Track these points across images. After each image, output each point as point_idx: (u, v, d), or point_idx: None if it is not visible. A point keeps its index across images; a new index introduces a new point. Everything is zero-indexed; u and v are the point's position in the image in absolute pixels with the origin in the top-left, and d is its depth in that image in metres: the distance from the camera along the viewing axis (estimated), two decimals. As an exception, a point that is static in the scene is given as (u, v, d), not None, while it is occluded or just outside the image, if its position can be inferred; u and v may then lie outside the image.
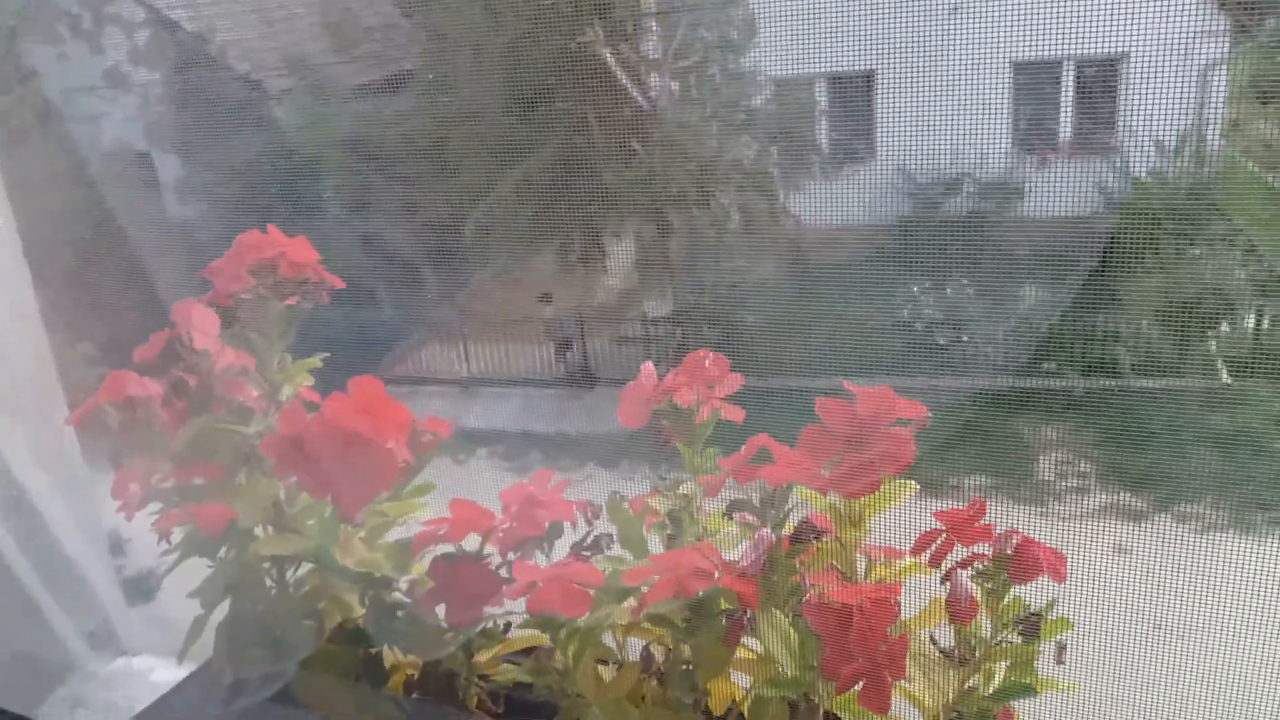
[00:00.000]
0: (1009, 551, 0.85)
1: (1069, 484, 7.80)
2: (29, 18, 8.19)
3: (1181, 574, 6.59)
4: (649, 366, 1.09)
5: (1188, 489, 7.33)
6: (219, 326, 1.12)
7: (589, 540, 1.00)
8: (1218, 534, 6.96)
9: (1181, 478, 7.49)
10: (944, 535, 0.87)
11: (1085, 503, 7.57)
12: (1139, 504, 7.37)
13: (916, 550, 0.89)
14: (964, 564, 0.86)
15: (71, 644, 1.40)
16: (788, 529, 0.91)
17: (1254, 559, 6.46)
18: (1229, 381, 7.85)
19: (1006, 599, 0.87)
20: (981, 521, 0.88)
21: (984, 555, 0.86)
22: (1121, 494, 7.50)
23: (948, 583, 0.86)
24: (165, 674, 1.40)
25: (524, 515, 0.97)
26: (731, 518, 0.93)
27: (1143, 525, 7.17)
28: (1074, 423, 8.20)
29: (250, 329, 1.09)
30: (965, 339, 8.68)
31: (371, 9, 10.55)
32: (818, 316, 8.82)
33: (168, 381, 1.13)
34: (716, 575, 0.82)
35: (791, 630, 0.83)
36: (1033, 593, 0.90)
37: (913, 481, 0.92)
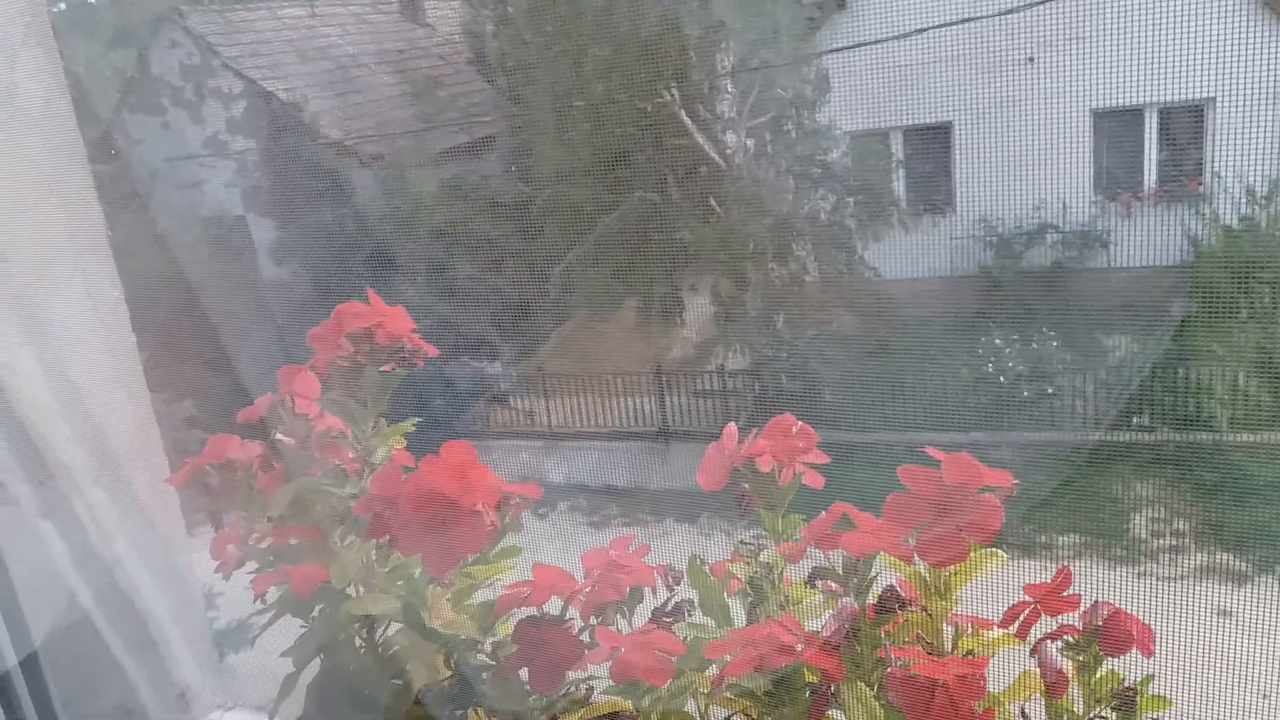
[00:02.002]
0: (1099, 624, 0.84)
1: (1164, 543, 7.51)
2: (135, 89, 8.70)
3: (1289, 639, 6.26)
4: (731, 428, 1.10)
5: (1294, 549, 7.00)
6: (319, 391, 1.17)
7: (670, 606, 1.00)
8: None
9: (1286, 536, 7.15)
10: (1032, 607, 0.86)
11: (1183, 563, 7.27)
12: (1240, 565, 7.04)
13: (1005, 623, 0.88)
14: (1053, 636, 0.85)
15: (166, 698, 1.44)
16: (872, 597, 0.91)
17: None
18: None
19: (1100, 673, 0.85)
20: (1069, 590, 0.87)
21: (1073, 628, 0.85)
22: (1221, 554, 7.19)
23: (1037, 655, 0.84)
24: (257, 730, 1.44)
25: (606, 580, 0.98)
26: (814, 585, 0.92)
27: (1245, 587, 6.85)
28: (1168, 479, 7.91)
29: (347, 394, 1.14)
30: (1051, 392, 8.49)
31: (457, 77, 10.97)
32: (898, 370, 8.72)
33: (267, 444, 1.18)
34: (799, 649, 0.82)
35: (876, 704, 0.82)
36: (1131, 663, 0.88)
37: (1001, 551, 0.91)
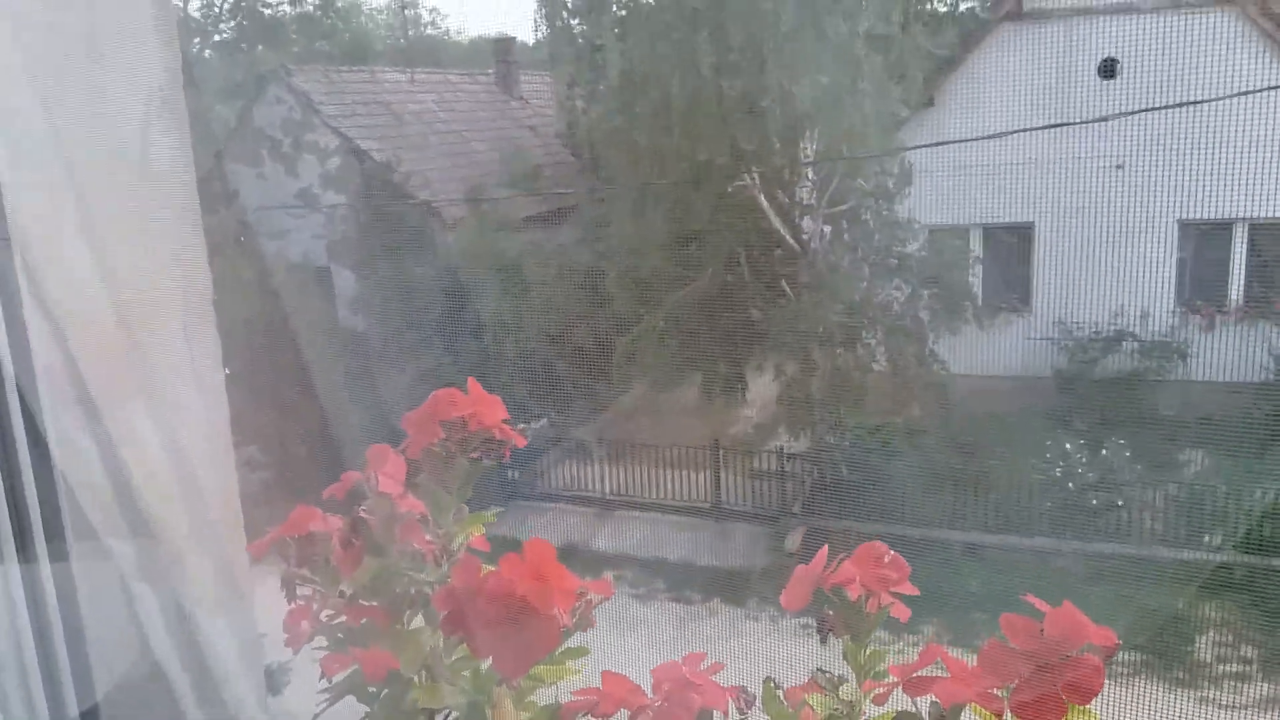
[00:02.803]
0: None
1: (1229, 668, 7.19)
2: (236, 140, 9.08)
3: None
4: (823, 552, 1.07)
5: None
6: (406, 473, 1.17)
7: (743, 731, 0.97)
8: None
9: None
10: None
11: (1247, 691, 6.94)
12: (1309, 698, 6.71)
13: (1098, 789, 0.83)
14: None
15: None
16: (957, 746, 0.87)
17: None
18: None
19: None
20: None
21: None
22: (1289, 686, 6.86)
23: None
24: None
25: (676, 697, 0.96)
26: (898, 730, 0.89)
27: (1311, 721, 6.51)
28: (1236, 602, 7.60)
29: (434, 480, 1.14)
30: (1120, 503, 8.24)
31: (543, 148, 11.27)
32: (961, 467, 8.55)
33: (349, 520, 1.18)
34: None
35: None
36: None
37: (1095, 712, 0.87)
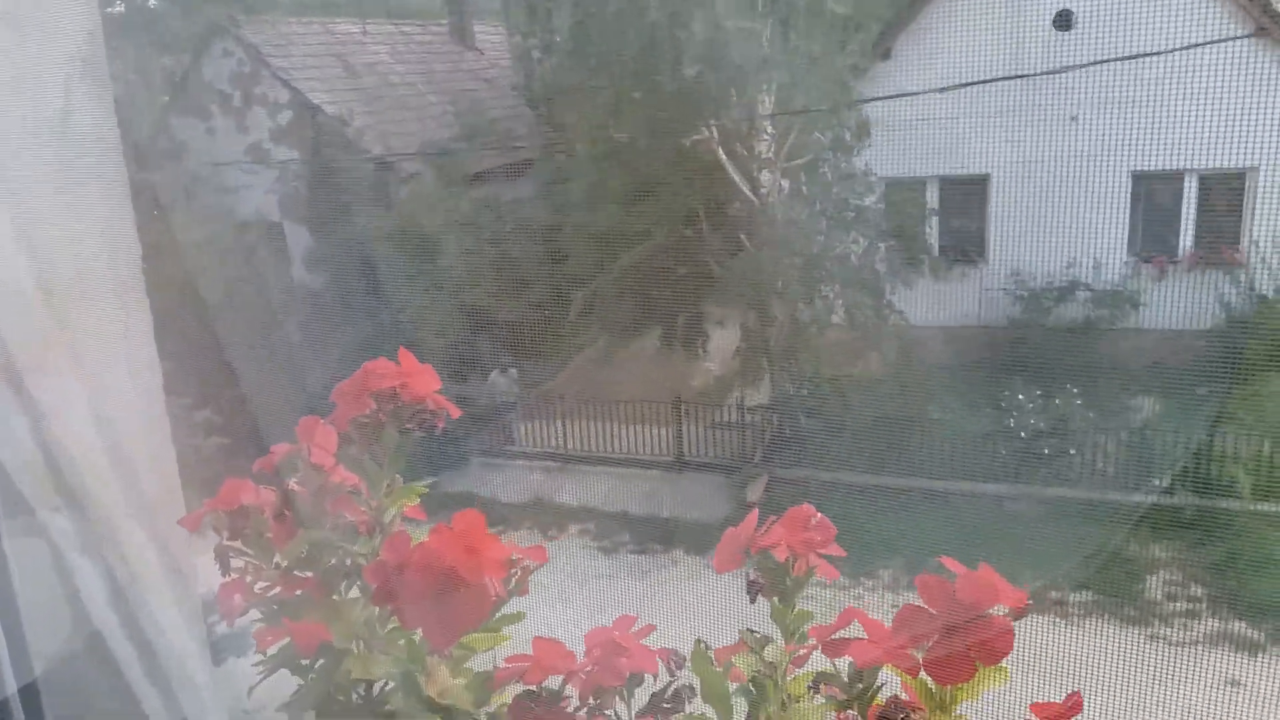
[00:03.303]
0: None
1: (1178, 607, 7.41)
2: (184, 94, 8.85)
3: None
4: (753, 516, 1.09)
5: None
6: (337, 445, 1.17)
7: (670, 692, 0.99)
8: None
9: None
10: (1039, 731, 0.84)
11: (1196, 628, 7.17)
12: (1255, 634, 6.93)
13: (1010, 742, 0.86)
14: (1058, 764, 0.83)
15: (167, 729, 1.44)
16: (876, 705, 0.89)
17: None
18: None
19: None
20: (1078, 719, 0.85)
21: (1079, 757, 0.83)
22: (1235, 622, 7.08)
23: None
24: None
25: (606, 663, 0.97)
26: (817, 690, 0.91)
27: (1257, 658, 6.74)
28: (1186, 543, 7.82)
29: (366, 452, 1.14)
30: (1072, 450, 8.41)
31: (500, 101, 11.09)
32: (918, 416, 8.67)
33: (280, 493, 1.18)
34: (797, 760, 0.81)
35: (873, 824, 0.81)
36: None
37: (1006, 668, 0.89)
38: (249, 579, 1.16)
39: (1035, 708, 0.87)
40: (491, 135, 9.98)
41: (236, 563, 1.18)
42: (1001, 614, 0.86)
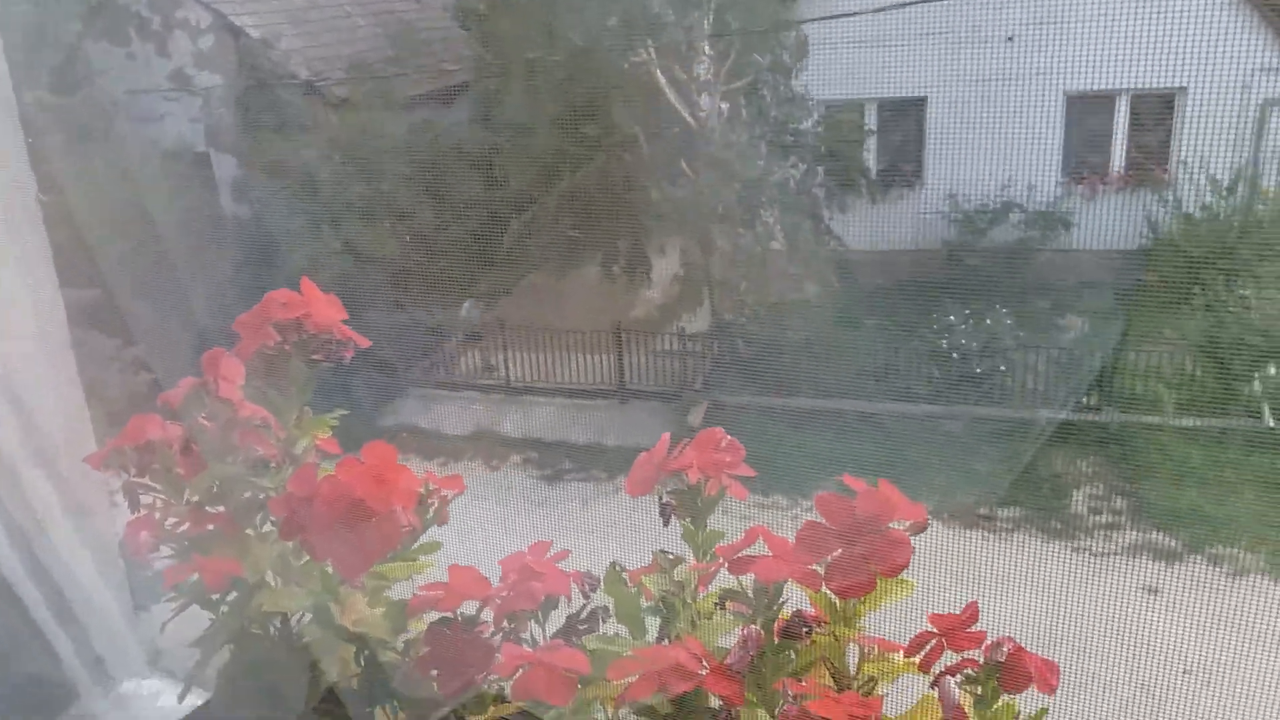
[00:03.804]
0: (1000, 660, 0.85)
1: (1101, 519, 7.70)
2: (99, 19, 8.42)
3: (1212, 617, 6.46)
4: (665, 439, 1.10)
5: (1223, 531, 7.21)
6: (243, 378, 1.15)
7: (584, 614, 1.00)
8: (1251, 578, 6.83)
9: (1217, 519, 7.36)
10: (936, 640, 0.87)
11: (1117, 539, 7.46)
12: (1172, 544, 7.25)
13: (910, 652, 0.89)
14: (953, 670, 0.86)
15: (80, 667, 1.43)
16: (781, 619, 0.92)
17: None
18: (1273, 425, 7.70)
19: (996, 705, 0.86)
20: (975, 626, 0.88)
21: (975, 662, 0.86)
22: (1154, 533, 7.39)
23: (937, 689, 0.86)
24: (172, 700, 1.43)
25: (520, 587, 0.98)
26: (724, 607, 0.93)
27: (1174, 566, 7.05)
28: (1110, 458, 8.10)
29: (272, 384, 1.12)
30: (1003, 369, 8.61)
31: (432, 22, 10.73)
32: (856, 340, 8.79)
33: (188, 428, 1.16)
34: (702, 674, 0.82)
35: (773, 733, 0.84)
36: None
37: (910, 581, 0.92)
38: (159, 515, 1.15)
39: (933, 618, 0.90)
40: (425, 58, 9.68)
41: (146, 499, 1.17)
42: (901, 528, 0.89)
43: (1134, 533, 7.50)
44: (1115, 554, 7.29)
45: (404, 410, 8.89)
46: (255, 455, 1.12)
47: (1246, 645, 5.80)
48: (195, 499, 1.13)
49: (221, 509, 1.13)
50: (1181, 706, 5.59)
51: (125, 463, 1.15)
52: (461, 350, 9.65)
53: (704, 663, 0.84)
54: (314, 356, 1.14)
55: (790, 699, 0.79)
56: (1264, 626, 6.12)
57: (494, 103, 9.04)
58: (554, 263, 9.54)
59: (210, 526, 1.12)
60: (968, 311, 8.51)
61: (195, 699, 1.28)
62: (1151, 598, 6.77)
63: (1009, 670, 0.85)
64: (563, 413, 9.39)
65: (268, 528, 1.14)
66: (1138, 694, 5.64)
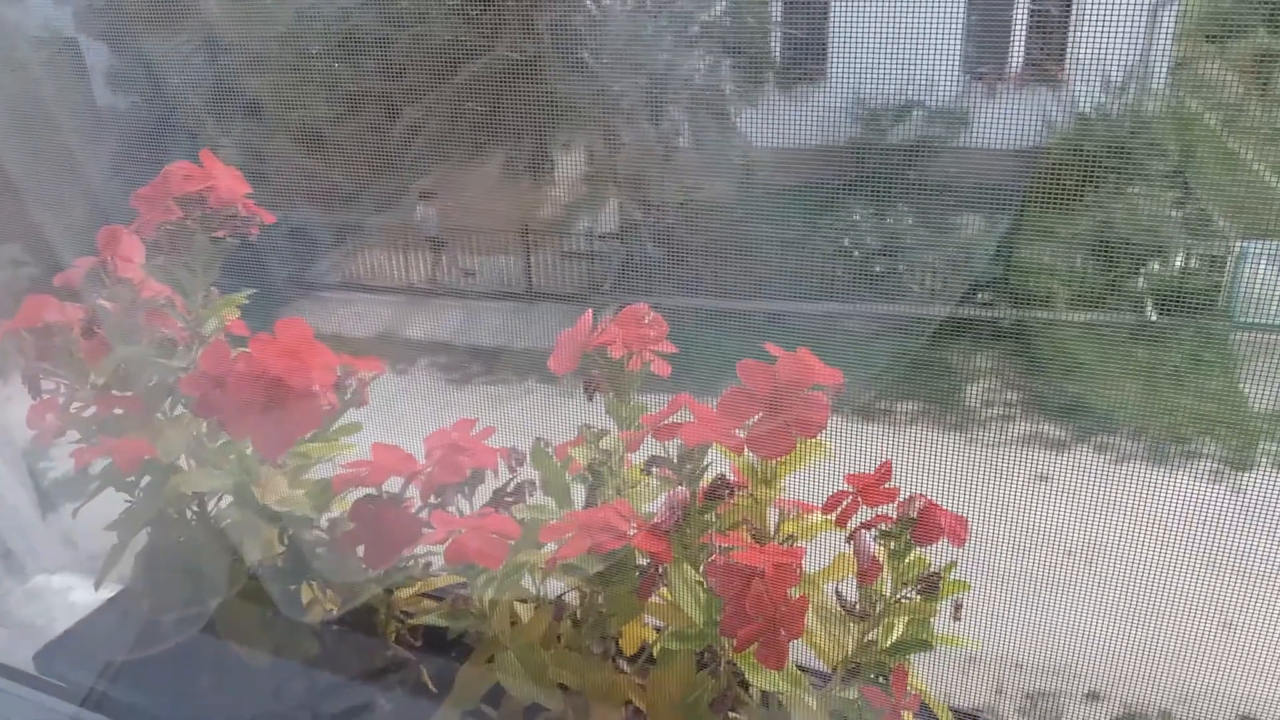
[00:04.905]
0: (913, 515, 0.89)
1: (995, 412, 8.05)
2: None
3: (1096, 501, 6.88)
4: (588, 316, 1.10)
5: (1108, 421, 7.62)
6: (144, 256, 1.10)
7: (512, 487, 1.01)
8: (1133, 464, 7.27)
9: (1102, 410, 7.77)
10: (852, 497, 0.90)
11: (1010, 430, 7.82)
12: (1061, 434, 7.63)
13: (827, 509, 0.93)
14: (869, 525, 0.90)
15: (-12, 562, 1.39)
16: (705, 483, 0.94)
17: (1164, 490, 6.77)
18: (1155, 318, 8.10)
19: (909, 558, 0.90)
20: (888, 484, 0.92)
21: (889, 517, 0.90)
22: (1045, 424, 7.77)
23: (853, 543, 0.89)
24: (84, 594, 1.40)
25: (446, 461, 0.98)
26: (650, 473, 0.95)
27: (1063, 455, 7.44)
28: (1003, 352, 8.43)
29: (176, 261, 1.08)
30: (901, 267, 8.81)
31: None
32: (762, 239, 8.86)
33: (88, 309, 1.11)
34: (631, 533, 0.84)
35: (700, 588, 0.87)
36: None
37: (825, 443, 0.95)
38: (62, 400, 1.11)
39: (850, 477, 0.93)
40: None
41: (48, 385, 1.12)
42: (818, 391, 0.91)
43: (1026, 424, 7.85)
44: (1008, 444, 7.63)
45: (302, 312, 8.67)
46: (162, 336, 1.08)
47: (1127, 527, 6.19)
48: (100, 382, 1.09)
49: (129, 393, 1.09)
50: (1061, 587, 5.95)
51: (23, 347, 1.10)
52: (362, 252, 9.41)
53: (632, 523, 0.86)
54: (218, 233, 1.10)
55: (717, 550, 0.82)
56: (1142, 510, 6.52)
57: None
58: (453, 160, 9.29)
59: (118, 410, 1.09)
60: (869, 210, 8.64)
61: (109, 592, 1.26)
62: (1043, 484, 7.15)
63: (921, 524, 0.89)
64: (470, 315, 9.28)
65: (179, 410, 1.11)
66: (1023, 577, 5.98)
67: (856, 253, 8.50)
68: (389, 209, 9.50)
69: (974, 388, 8.33)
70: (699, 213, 8.80)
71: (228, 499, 1.11)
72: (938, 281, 8.83)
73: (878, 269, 8.53)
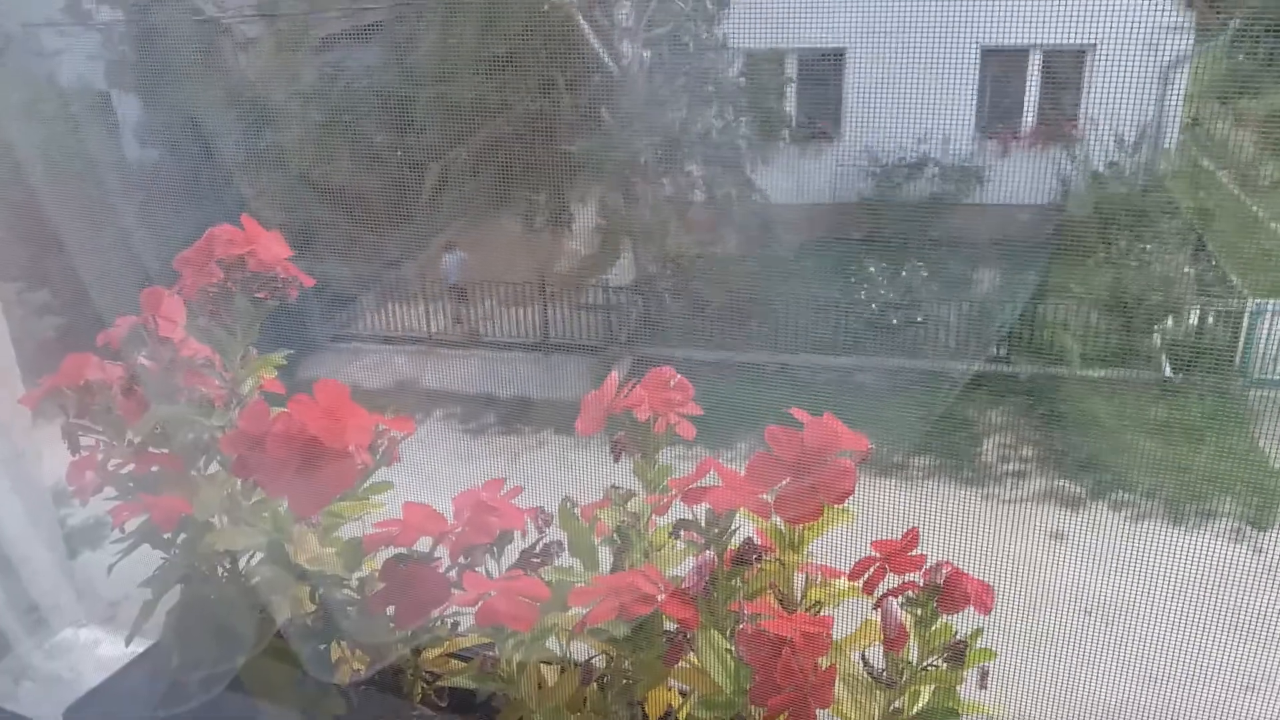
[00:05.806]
0: (939, 583, 0.90)
1: (1010, 468, 7.99)
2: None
3: (1114, 560, 6.78)
4: (613, 377, 1.12)
5: (1125, 478, 7.55)
6: (185, 317, 1.13)
7: (539, 548, 1.02)
8: (1150, 523, 7.19)
9: (1119, 467, 7.70)
10: (878, 564, 0.91)
11: (1025, 487, 7.76)
12: (1076, 491, 7.57)
13: (854, 575, 0.93)
14: (895, 592, 0.90)
15: (16, 615, 1.40)
16: (732, 547, 0.95)
17: (1183, 549, 6.68)
18: (1170, 375, 8.07)
19: (935, 626, 0.91)
20: (915, 551, 0.93)
21: (915, 585, 0.90)
22: (1060, 480, 7.70)
23: (880, 610, 0.90)
24: (112, 649, 1.41)
25: (475, 522, 0.99)
26: (677, 536, 0.96)
27: (1078, 513, 7.37)
28: (1018, 408, 8.39)
29: (216, 322, 1.10)
30: (918, 321, 8.83)
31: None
32: (777, 293, 8.90)
33: (128, 368, 1.14)
34: (659, 598, 0.85)
35: (728, 653, 0.87)
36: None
37: (850, 509, 0.96)
38: (101, 456, 1.13)
39: (876, 544, 0.94)
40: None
41: (86, 441, 1.15)
42: (845, 457, 0.92)
43: (1041, 480, 7.79)
44: (1023, 501, 7.56)
45: (323, 363, 8.73)
46: (200, 395, 1.11)
47: (1144, 586, 6.10)
48: (138, 440, 1.11)
49: (166, 450, 1.11)
50: (1081, 645, 5.86)
51: (64, 403, 1.12)
52: (377, 304, 9.50)
53: (661, 587, 0.87)
54: (258, 295, 1.12)
55: (746, 619, 0.83)
56: (1161, 568, 6.43)
57: (409, 47, 8.80)
58: (474, 214, 9.41)
59: (155, 467, 1.11)
60: (884, 264, 8.69)
61: (139, 647, 1.27)
62: (1058, 542, 7.06)
63: (948, 592, 0.90)
64: (486, 366, 9.33)
65: (213, 468, 1.13)
66: (1042, 635, 5.89)
67: (873, 307, 8.54)
68: (407, 262, 9.60)
69: (989, 443, 8.28)
70: (714, 266, 8.86)
71: (259, 556, 1.12)
72: (951, 336, 8.84)
73: (893, 322, 8.56)
